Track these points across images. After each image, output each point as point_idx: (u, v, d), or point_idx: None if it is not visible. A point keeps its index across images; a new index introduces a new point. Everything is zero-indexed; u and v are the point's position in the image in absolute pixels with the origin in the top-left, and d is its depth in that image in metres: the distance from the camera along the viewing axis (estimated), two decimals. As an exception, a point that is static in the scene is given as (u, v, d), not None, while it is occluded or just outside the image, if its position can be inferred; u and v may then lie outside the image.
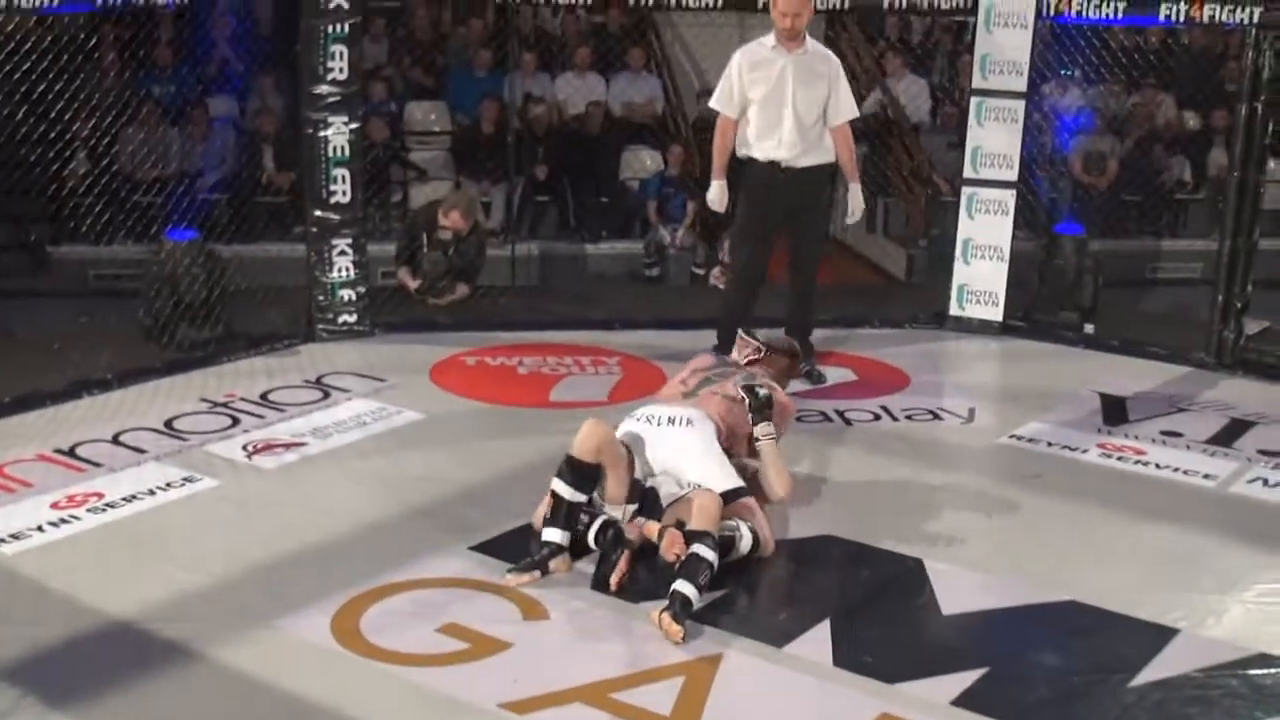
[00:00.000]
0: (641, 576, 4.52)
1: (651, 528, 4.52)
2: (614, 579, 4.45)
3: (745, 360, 5.53)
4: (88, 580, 4.44)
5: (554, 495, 4.62)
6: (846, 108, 6.70)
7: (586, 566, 4.61)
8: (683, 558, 4.29)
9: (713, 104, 6.77)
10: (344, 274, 7.62)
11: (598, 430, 4.63)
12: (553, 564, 4.53)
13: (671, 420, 4.88)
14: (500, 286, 9.29)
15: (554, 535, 4.57)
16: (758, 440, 5.02)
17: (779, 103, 6.52)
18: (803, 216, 6.77)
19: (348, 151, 7.46)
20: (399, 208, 10.50)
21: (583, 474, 4.60)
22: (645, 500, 4.71)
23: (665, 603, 4.15)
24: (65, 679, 3.79)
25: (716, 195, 6.80)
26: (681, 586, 4.19)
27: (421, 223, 8.52)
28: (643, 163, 11.03)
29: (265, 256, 8.99)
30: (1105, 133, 10.75)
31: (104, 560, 4.63)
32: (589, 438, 4.61)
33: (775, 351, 5.69)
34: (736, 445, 5.10)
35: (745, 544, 4.59)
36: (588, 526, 4.63)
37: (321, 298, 7.64)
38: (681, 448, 4.79)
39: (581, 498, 4.61)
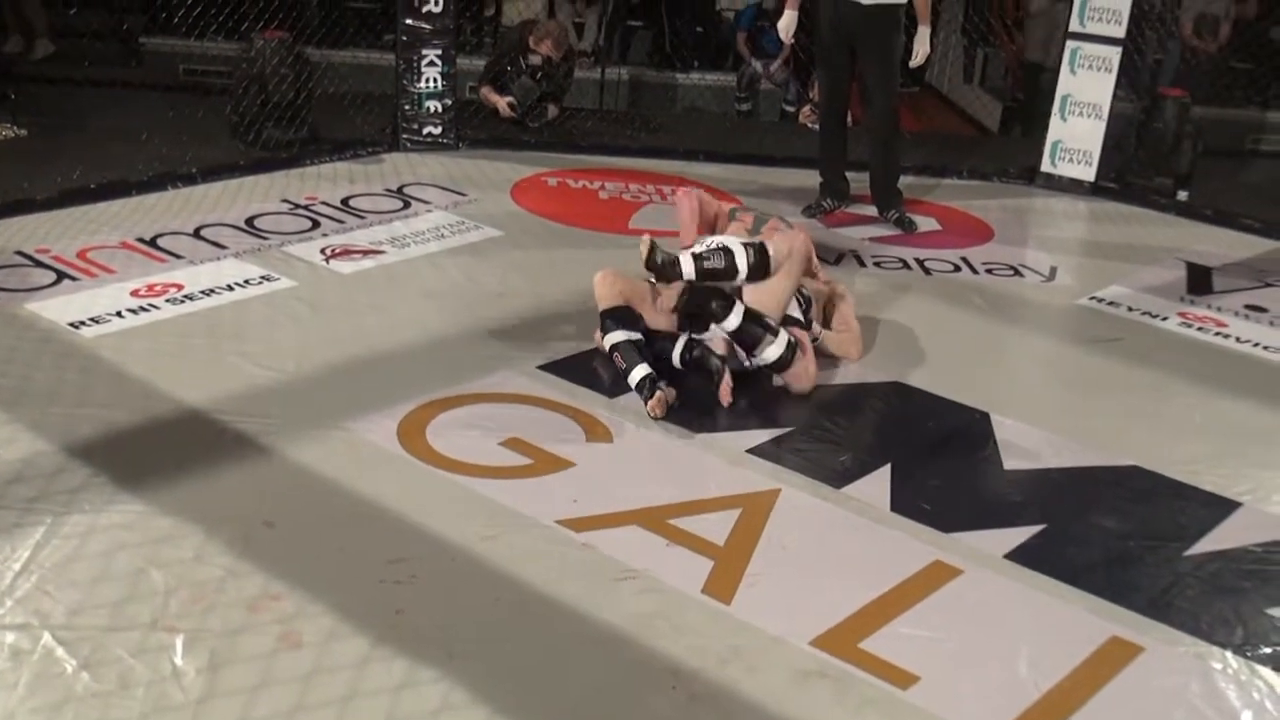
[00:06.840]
0: (722, 408, 4.55)
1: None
2: (723, 393, 4.51)
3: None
4: (164, 369, 4.52)
5: (612, 349, 4.61)
6: None
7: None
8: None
9: None
10: (432, 85, 7.60)
11: (609, 277, 4.72)
12: (656, 397, 4.42)
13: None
14: (588, 109, 9.22)
15: (640, 372, 4.50)
16: (815, 340, 4.92)
17: None
18: (868, 57, 6.63)
19: (442, -41, 7.37)
20: (491, 22, 10.38)
21: (621, 317, 4.65)
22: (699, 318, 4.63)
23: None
24: (136, 462, 3.87)
25: (786, 24, 6.82)
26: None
27: (514, 42, 8.43)
28: (740, -7, 10.81)
29: (354, 62, 8.96)
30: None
31: (180, 351, 4.70)
32: (608, 285, 4.70)
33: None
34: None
35: (772, 351, 4.55)
36: (676, 352, 4.66)
37: (408, 107, 7.62)
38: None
39: (636, 335, 4.63)
